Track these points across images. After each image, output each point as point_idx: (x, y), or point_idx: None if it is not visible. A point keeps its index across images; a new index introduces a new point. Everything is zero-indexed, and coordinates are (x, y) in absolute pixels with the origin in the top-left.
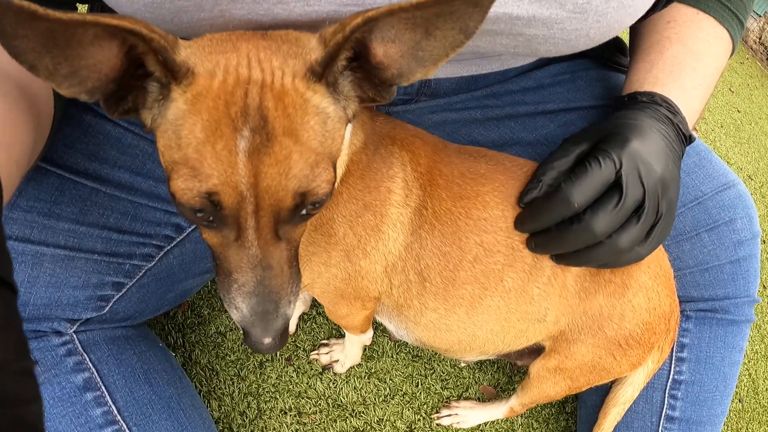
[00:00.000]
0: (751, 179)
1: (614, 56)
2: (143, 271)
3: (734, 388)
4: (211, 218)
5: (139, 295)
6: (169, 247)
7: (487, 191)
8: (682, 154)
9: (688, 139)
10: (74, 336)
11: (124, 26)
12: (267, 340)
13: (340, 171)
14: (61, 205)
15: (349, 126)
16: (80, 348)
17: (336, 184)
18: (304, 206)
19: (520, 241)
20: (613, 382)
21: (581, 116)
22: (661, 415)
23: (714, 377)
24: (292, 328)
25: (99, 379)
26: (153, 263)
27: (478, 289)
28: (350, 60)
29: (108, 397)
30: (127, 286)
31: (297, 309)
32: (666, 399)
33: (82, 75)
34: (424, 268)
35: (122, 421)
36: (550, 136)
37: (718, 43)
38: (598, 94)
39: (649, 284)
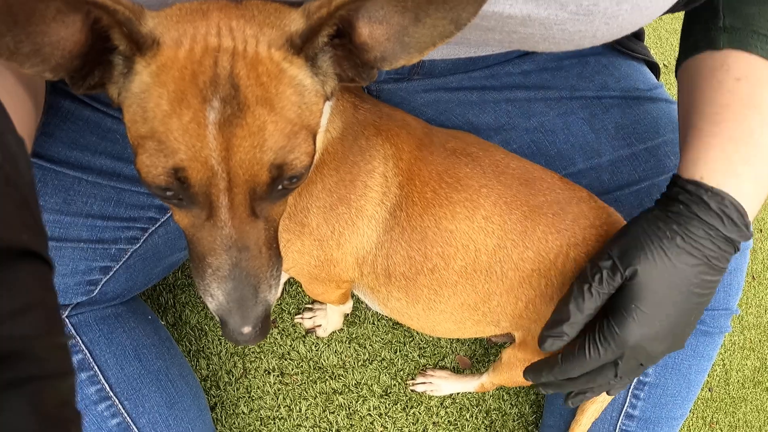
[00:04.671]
0: None
1: (629, 41)
2: (129, 253)
3: (698, 393)
4: (180, 197)
5: (126, 276)
6: (153, 228)
7: (459, 200)
8: (728, 259)
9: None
10: (66, 321)
11: None
12: (246, 330)
13: (315, 156)
14: (44, 196)
15: (327, 108)
16: (73, 331)
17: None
18: (282, 181)
19: (473, 264)
20: None
21: (583, 105)
22: (621, 411)
23: (678, 383)
24: (278, 292)
25: (92, 359)
26: (138, 245)
27: (433, 294)
28: (332, 37)
29: (101, 376)
30: (114, 269)
31: (283, 275)
32: (628, 397)
33: (45, 53)
34: (390, 265)
35: (114, 397)
36: (548, 124)
37: None
38: (605, 83)
39: None
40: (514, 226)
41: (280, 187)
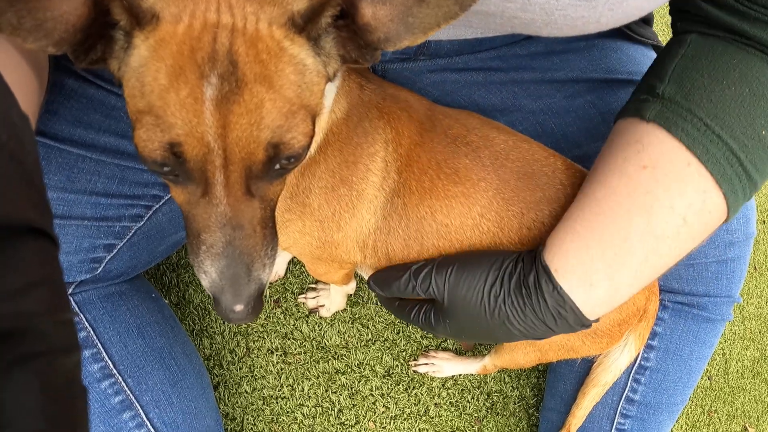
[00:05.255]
0: None
1: (638, 26)
2: (133, 231)
3: (698, 380)
4: (177, 173)
5: (130, 254)
6: (157, 206)
7: (455, 194)
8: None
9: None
10: (70, 299)
11: None
12: (238, 308)
13: (318, 138)
14: (48, 174)
15: (331, 87)
16: (77, 309)
17: (314, 150)
18: (278, 160)
19: None
20: (593, 363)
21: (590, 88)
22: (622, 395)
23: (679, 369)
24: (281, 272)
25: (95, 337)
26: (142, 222)
27: None
28: (336, 18)
29: (104, 353)
30: (118, 247)
31: (287, 254)
32: (629, 382)
33: (47, 27)
34: (390, 251)
35: (118, 374)
36: (555, 106)
37: (699, 219)
38: (612, 67)
39: None
40: (510, 223)
41: (277, 166)
